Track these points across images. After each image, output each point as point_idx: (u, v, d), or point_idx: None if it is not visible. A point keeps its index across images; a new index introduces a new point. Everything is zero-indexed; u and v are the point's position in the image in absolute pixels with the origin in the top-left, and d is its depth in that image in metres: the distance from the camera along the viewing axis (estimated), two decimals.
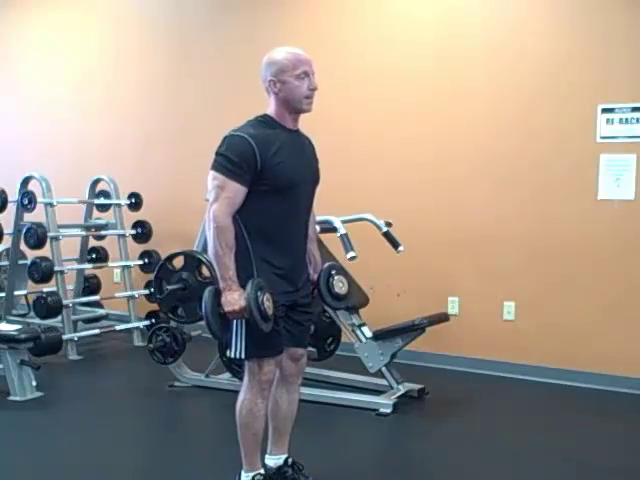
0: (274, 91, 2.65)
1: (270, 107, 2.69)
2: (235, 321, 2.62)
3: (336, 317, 4.37)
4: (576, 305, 4.69)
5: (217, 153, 2.61)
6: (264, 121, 2.67)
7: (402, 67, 5.19)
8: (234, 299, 2.53)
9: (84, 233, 6.05)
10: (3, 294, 5.68)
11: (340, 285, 2.91)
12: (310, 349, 4.34)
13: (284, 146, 2.63)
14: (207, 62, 6.07)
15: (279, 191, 2.61)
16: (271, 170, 2.58)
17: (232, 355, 2.67)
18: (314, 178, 2.82)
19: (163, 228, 6.09)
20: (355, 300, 4.38)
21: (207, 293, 2.61)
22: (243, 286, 2.56)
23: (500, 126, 4.90)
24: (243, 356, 2.65)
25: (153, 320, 5.75)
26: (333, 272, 2.91)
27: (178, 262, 4.37)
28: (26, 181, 5.49)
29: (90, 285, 6.16)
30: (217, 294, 2.59)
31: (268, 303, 2.55)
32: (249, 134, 2.58)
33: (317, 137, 2.92)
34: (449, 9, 5.04)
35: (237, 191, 2.56)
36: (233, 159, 2.55)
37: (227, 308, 2.54)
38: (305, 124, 2.80)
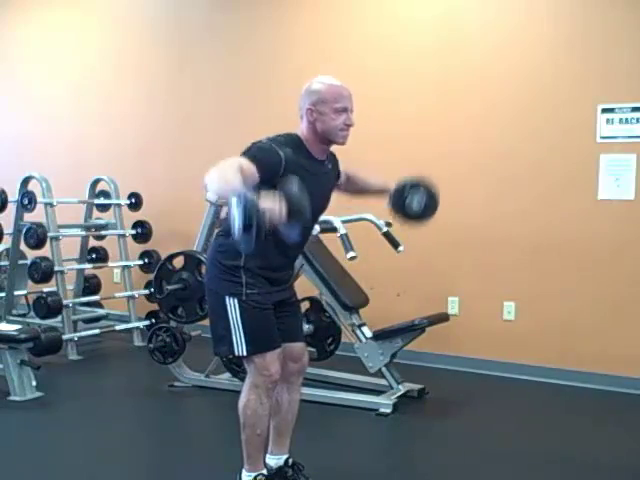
0: (309, 119, 2.63)
1: (301, 131, 2.66)
2: (231, 320, 2.60)
3: (336, 317, 4.37)
4: (576, 305, 4.69)
5: (248, 148, 2.52)
6: (295, 143, 2.62)
7: (402, 67, 5.19)
8: (268, 196, 2.17)
9: (84, 233, 6.05)
10: (3, 294, 5.67)
11: (412, 203, 2.96)
12: (310, 349, 4.34)
13: (305, 179, 2.49)
14: (207, 62, 6.07)
15: None
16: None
17: (236, 353, 2.65)
18: (321, 213, 2.83)
19: (163, 228, 6.09)
20: (355, 300, 4.39)
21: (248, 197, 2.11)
22: (223, 296, 2.58)
23: (500, 126, 4.91)
24: (245, 353, 2.63)
25: (153, 320, 5.75)
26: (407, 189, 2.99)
27: (178, 262, 4.36)
28: (26, 181, 5.49)
29: (90, 285, 6.16)
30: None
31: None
32: (283, 151, 2.52)
33: None
34: (450, 11, 5.04)
35: (252, 170, 2.37)
36: (259, 158, 2.45)
37: (264, 205, 2.10)
38: None
